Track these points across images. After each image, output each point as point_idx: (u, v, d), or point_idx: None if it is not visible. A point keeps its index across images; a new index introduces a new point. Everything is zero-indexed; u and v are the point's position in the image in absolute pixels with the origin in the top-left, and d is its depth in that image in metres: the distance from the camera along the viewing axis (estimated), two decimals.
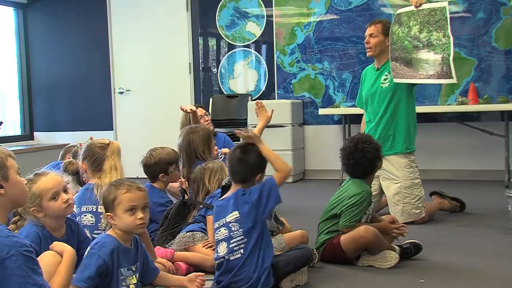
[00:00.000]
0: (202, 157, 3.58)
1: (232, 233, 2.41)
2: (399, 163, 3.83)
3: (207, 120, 4.34)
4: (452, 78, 3.60)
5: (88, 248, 2.21)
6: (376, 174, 3.82)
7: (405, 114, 3.86)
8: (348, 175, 3.10)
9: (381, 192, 3.95)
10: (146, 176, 3.38)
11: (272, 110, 3.45)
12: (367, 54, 3.99)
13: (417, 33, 3.72)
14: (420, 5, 3.70)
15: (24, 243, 1.76)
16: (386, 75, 3.89)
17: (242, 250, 2.38)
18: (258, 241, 2.39)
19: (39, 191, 2.27)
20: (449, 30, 3.57)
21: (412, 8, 3.76)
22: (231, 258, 2.40)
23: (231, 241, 2.40)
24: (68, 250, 2.15)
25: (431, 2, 3.79)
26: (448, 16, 3.58)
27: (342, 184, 3.11)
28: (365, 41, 3.96)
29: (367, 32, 3.94)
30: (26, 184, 2.01)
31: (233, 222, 2.41)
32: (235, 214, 2.41)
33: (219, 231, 2.46)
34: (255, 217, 2.38)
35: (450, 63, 3.57)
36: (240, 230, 2.39)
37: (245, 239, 2.38)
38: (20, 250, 1.72)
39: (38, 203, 2.26)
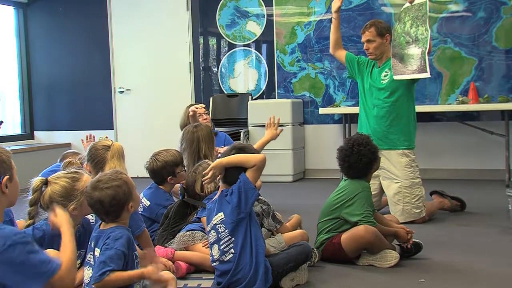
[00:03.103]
0: (206, 156, 3.57)
1: (219, 235, 2.42)
2: (400, 163, 3.83)
3: (205, 119, 4.30)
4: (427, 72, 3.61)
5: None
6: (376, 173, 3.85)
7: (405, 111, 3.86)
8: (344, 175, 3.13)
9: (381, 191, 3.96)
10: (153, 180, 3.35)
11: (281, 130, 3.52)
12: (369, 58, 3.99)
13: (409, 28, 3.74)
14: (413, 0, 3.73)
15: (16, 231, 1.78)
16: (386, 72, 3.90)
17: (232, 250, 2.39)
18: (246, 237, 2.39)
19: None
20: (427, 25, 3.58)
21: (407, 4, 3.79)
22: (225, 259, 2.40)
23: (221, 243, 2.41)
24: (63, 216, 2.06)
25: None
26: (428, 11, 3.59)
27: (340, 184, 3.11)
28: (364, 48, 3.96)
29: (363, 38, 3.93)
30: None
31: (219, 224, 2.42)
32: (221, 215, 2.42)
33: (210, 234, 2.47)
34: (238, 215, 2.39)
35: (425, 57, 3.59)
36: (226, 231, 2.40)
37: (233, 238, 2.39)
38: (15, 239, 1.74)
39: (80, 200, 2.26)
